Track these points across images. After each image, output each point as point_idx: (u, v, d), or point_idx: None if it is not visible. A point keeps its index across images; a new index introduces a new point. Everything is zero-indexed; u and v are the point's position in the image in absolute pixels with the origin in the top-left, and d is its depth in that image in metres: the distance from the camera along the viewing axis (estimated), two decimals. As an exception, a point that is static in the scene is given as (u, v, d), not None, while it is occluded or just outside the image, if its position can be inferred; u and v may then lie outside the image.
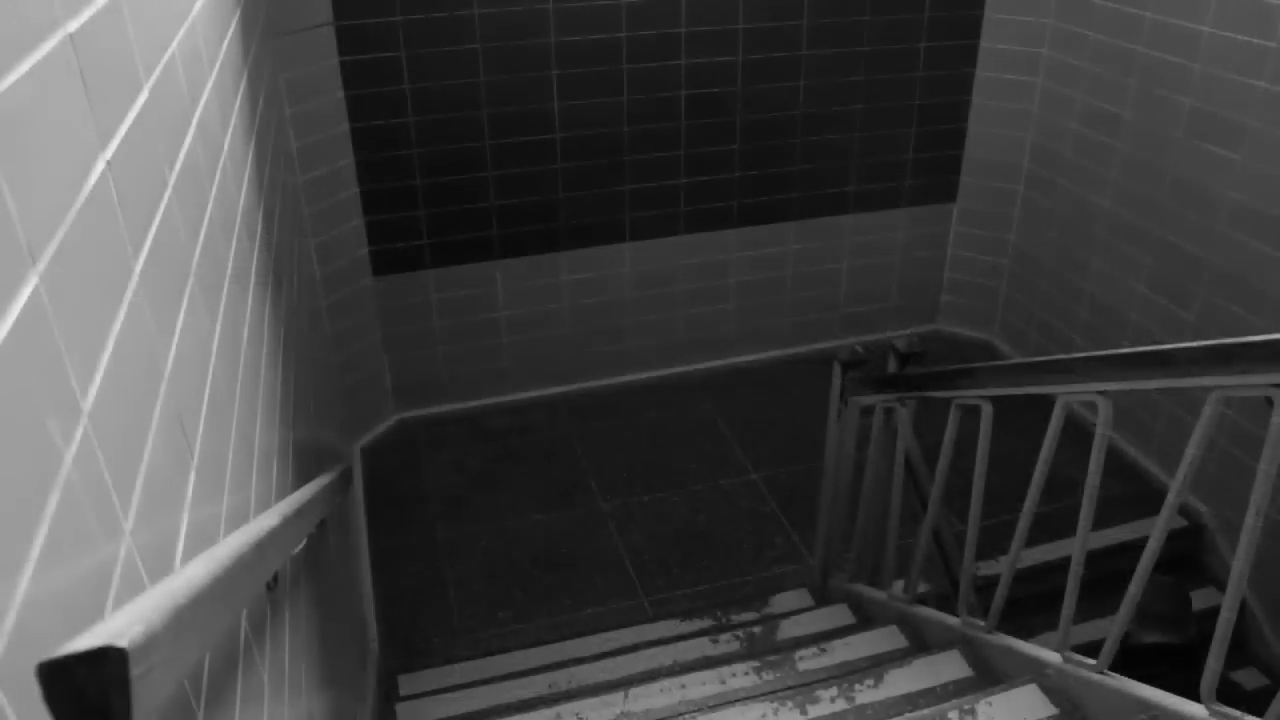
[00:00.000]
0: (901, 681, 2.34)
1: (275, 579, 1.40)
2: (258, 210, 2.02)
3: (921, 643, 2.65)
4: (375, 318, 4.00)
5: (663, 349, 4.48)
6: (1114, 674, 1.94)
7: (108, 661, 0.54)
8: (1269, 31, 3.01)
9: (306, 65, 3.37)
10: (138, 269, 0.94)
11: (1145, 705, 1.82)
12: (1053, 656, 2.10)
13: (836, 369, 2.90)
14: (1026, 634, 2.33)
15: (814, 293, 4.59)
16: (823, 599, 3.23)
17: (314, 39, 3.38)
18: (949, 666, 2.37)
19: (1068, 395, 2.01)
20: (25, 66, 0.71)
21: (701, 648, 2.91)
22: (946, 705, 2.09)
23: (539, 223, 4.04)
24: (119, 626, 0.57)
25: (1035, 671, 2.12)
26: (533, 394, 4.38)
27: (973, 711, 2.05)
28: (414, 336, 4.11)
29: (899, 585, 2.83)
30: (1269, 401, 1.54)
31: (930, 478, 2.62)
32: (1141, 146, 3.62)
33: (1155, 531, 1.78)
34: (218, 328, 1.34)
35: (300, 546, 1.69)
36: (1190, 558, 3.46)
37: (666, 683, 2.57)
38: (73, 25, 0.83)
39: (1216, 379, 1.62)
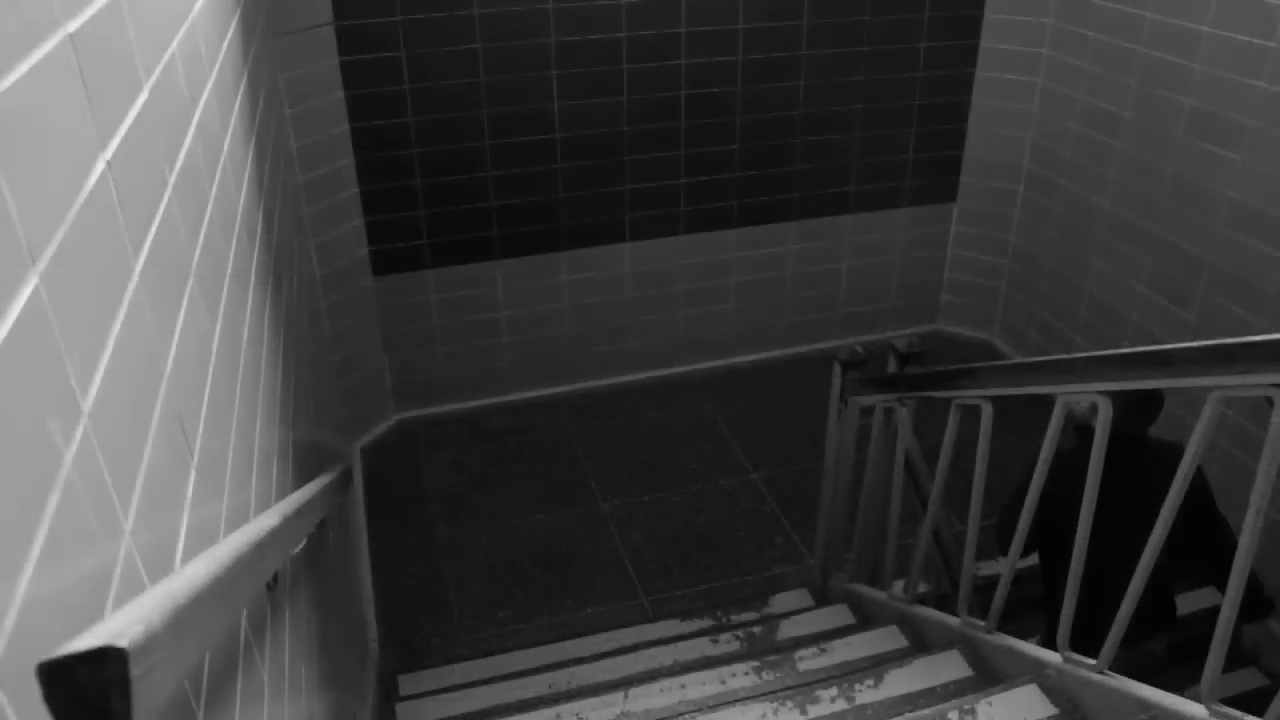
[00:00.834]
0: (901, 681, 2.34)
1: (275, 579, 1.40)
2: (258, 210, 2.02)
3: (921, 643, 2.65)
4: (375, 318, 4.00)
5: (663, 349, 4.48)
6: (1114, 674, 1.94)
7: (108, 661, 0.54)
8: (1269, 31, 3.01)
9: (306, 65, 3.37)
10: (138, 269, 0.94)
11: (1145, 705, 1.82)
12: (1053, 656, 2.10)
13: (836, 369, 2.90)
14: (1026, 634, 2.33)
15: (814, 293, 4.59)
16: (823, 599, 3.23)
17: (314, 39, 3.38)
18: (949, 666, 2.37)
19: (1068, 395, 2.01)
20: (25, 66, 0.71)
21: (701, 648, 2.91)
22: (946, 705, 2.09)
23: (539, 223, 4.04)
24: (119, 626, 0.57)
25: (1035, 671, 2.12)
26: (533, 394, 4.38)
27: (973, 711, 2.05)
28: (414, 336, 4.11)
29: (899, 585, 2.83)
30: (1269, 401, 1.54)
31: (930, 478, 2.62)
32: (1141, 146, 3.62)
33: (1156, 532, 1.78)
34: (218, 328, 1.34)
35: (300, 546, 1.69)
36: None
37: (666, 683, 2.57)
38: (73, 25, 0.83)
39: (1216, 379, 1.62)
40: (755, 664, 2.65)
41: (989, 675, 2.32)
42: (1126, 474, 2.11)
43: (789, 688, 2.42)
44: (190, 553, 0.98)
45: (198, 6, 1.59)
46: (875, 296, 4.69)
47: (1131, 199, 3.71)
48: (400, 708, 2.69)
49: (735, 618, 3.16)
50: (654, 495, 3.82)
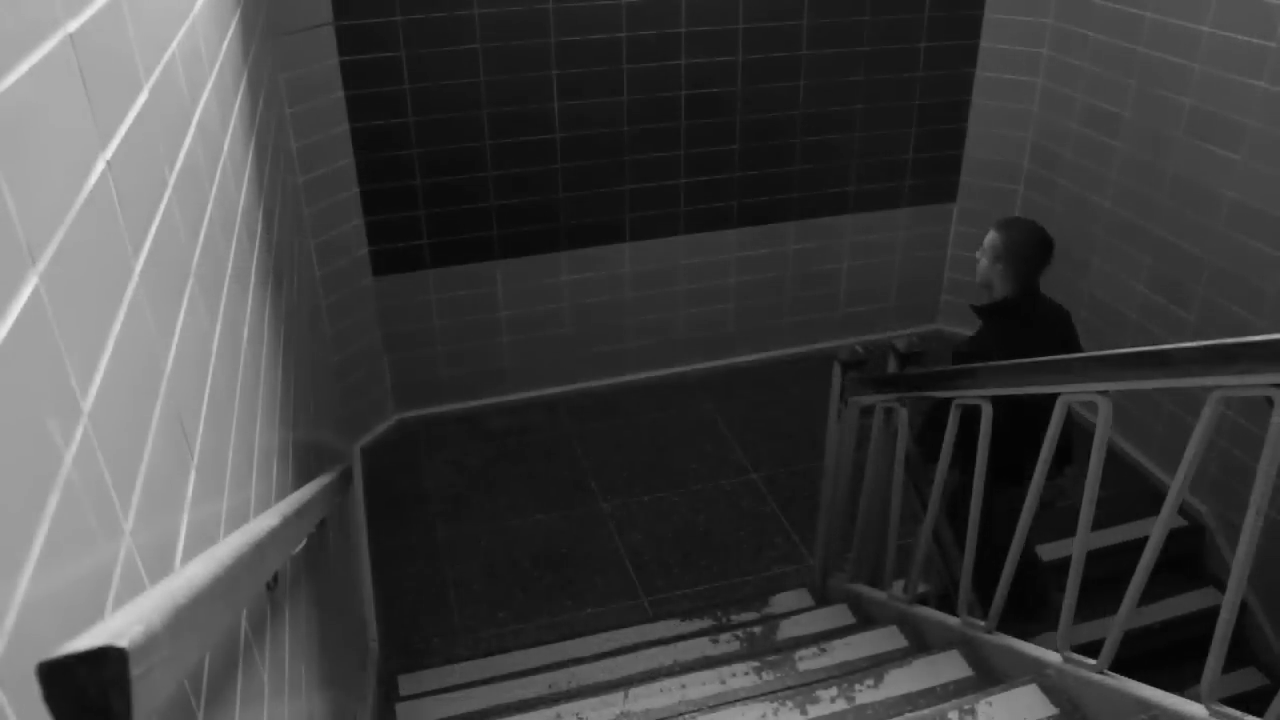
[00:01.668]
0: (901, 681, 2.34)
1: (275, 579, 1.40)
2: (258, 210, 2.02)
3: (921, 643, 2.64)
4: (375, 318, 4.00)
5: (663, 349, 4.48)
6: (1114, 674, 1.94)
7: (108, 661, 0.54)
8: (1269, 31, 3.01)
9: (306, 65, 3.37)
10: (138, 269, 0.94)
11: (1145, 705, 1.82)
12: (1053, 656, 2.10)
13: (836, 369, 2.90)
14: (1026, 634, 2.33)
15: (814, 293, 4.59)
16: (823, 599, 3.23)
17: (314, 39, 3.38)
18: (949, 666, 2.37)
19: (1068, 395, 2.01)
20: (25, 66, 0.71)
21: (701, 648, 2.91)
22: (946, 705, 2.09)
23: (539, 223, 4.04)
24: (119, 626, 0.57)
25: (1035, 671, 2.12)
26: (533, 394, 4.38)
27: (973, 711, 2.05)
28: (414, 336, 4.11)
29: (899, 585, 2.83)
30: (1269, 401, 1.54)
31: (930, 478, 2.62)
32: (1141, 146, 3.62)
33: (1155, 531, 1.78)
34: (218, 328, 1.34)
35: (300, 546, 1.69)
36: (1190, 558, 3.46)
37: (666, 683, 2.57)
38: (73, 25, 0.83)
39: (1216, 379, 1.62)
40: (755, 664, 2.65)
41: (989, 675, 2.32)
42: (1029, 324, 2.64)
43: (789, 688, 2.42)
44: (190, 553, 0.98)
45: (198, 6, 1.59)
46: (875, 296, 4.69)
47: (1131, 199, 3.71)
48: (400, 708, 2.69)
49: (735, 618, 3.16)
50: (654, 495, 3.82)
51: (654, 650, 2.91)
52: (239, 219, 1.72)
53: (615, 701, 2.48)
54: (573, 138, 3.90)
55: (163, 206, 1.09)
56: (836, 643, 2.71)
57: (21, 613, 0.57)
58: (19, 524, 0.60)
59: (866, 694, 2.31)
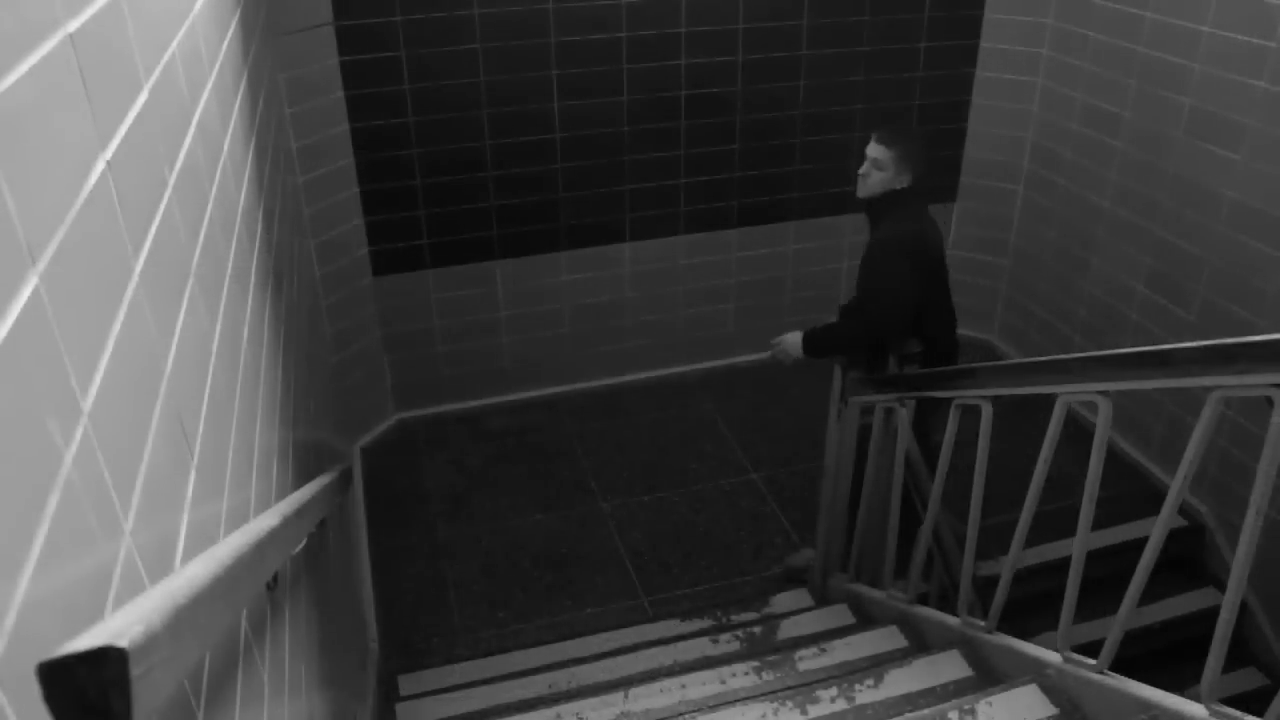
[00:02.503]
0: (901, 681, 2.34)
1: (275, 579, 1.40)
2: (258, 210, 2.02)
3: (921, 643, 2.65)
4: (375, 318, 4.00)
5: (663, 349, 4.48)
6: (1114, 674, 1.94)
7: (108, 661, 0.54)
8: (1269, 31, 3.01)
9: (306, 65, 3.37)
10: (138, 269, 0.94)
11: (1145, 705, 1.82)
12: (1053, 656, 2.10)
13: (836, 369, 2.90)
14: (1027, 634, 2.33)
15: (814, 293, 4.59)
16: (823, 599, 3.23)
17: (314, 39, 3.38)
18: (949, 666, 2.37)
19: (1068, 395, 2.01)
20: (25, 66, 0.71)
21: (701, 648, 2.91)
22: (946, 705, 2.09)
23: (539, 223, 4.04)
24: (119, 626, 0.57)
25: (1035, 671, 2.12)
26: (533, 394, 4.38)
27: (973, 711, 2.05)
28: (414, 336, 4.11)
29: (899, 585, 2.83)
30: (1269, 401, 1.54)
31: (930, 478, 2.62)
32: (1141, 146, 3.62)
33: (1155, 531, 1.78)
34: (218, 328, 1.34)
35: (300, 546, 1.69)
36: (1190, 558, 3.46)
37: (666, 683, 2.57)
38: (73, 25, 0.83)
39: (1216, 379, 1.62)
40: (755, 664, 2.65)
41: (989, 675, 2.32)
42: (921, 220, 2.87)
43: (789, 688, 2.42)
44: (190, 553, 0.98)
45: (198, 6, 1.59)
46: (875, 296, 4.69)
47: (1131, 199, 3.71)
48: (400, 708, 2.69)
49: (735, 618, 3.16)
50: (654, 495, 3.82)
51: (654, 650, 2.91)
52: (239, 219, 1.72)
53: (615, 701, 2.48)
54: (573, 138, 3.90)
55: (163, 206, 1.09)
56: (836, 643, 2.71)
57: (21, 613, 0.57)
58: (19, 524, 0.60)
59: (866, 694, 2.31)
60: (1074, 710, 2.00)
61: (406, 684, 2.91)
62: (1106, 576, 2.37)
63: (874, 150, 2.82)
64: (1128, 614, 1.86)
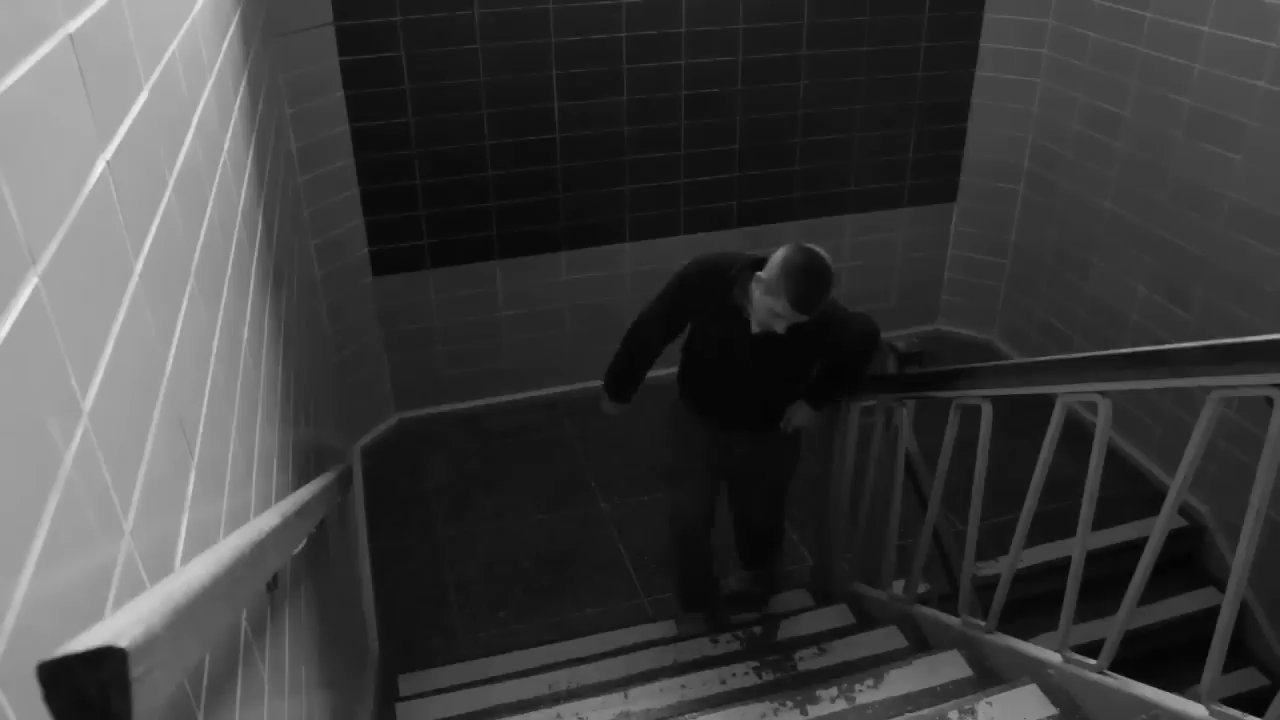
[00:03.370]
0: (901, 681, 2.34)
1: (275, 579, 1.40)
2: (258, 210, 2.02)
3: (922, 643, 2.65)
4: (375, 318, 4.00)
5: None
6: (1114, 674, 1.94)
7: (108, 661, 0.54)
8: (1269, 31, 3.01)
9: (306, 65, 3.37)
10: (138, 269, 0.94)
11: (1145, 705, 1.82)
12: (1053, 656, 2.10)
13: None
14: (1026, 634, 2.33)
15: (814, 293, 4.58)
16: (823, 599, 3.23)
17: (314, 39, 3.38)
18: (949, 666, 2.36)
19: (1068, 395, 2.01)
20: (25, 66, 0.71)
21: (701, 648, 2.91)
22: (946, 705, 2.09)
23: (539, 223, 4.04)
24: (119, 626, 0.57)
25: (1035, 671, 2.12)
26: (533, 394, 4.37)
27: (973, 711, 2.05)
28: (414, 336, 4.11)
29: (899, 585, 2.83)
30: (1269, 401, 1.54)
31: (930, 478, 2.62)
32: (1141, 146, 3.62)
33: (1155, 531, 1.78)
34: (218, 328, 1.34)
35: (300, 546, 1.69)
36: (1190, 558, 3.46)
37: (666, 683, 2.57)
38: (73, 25, 0.83)
39: (1216, 379, 1.62)
40: (755, 664, 2.65)
41: (989, 675, 2.32)
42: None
43: (789, 688, 2.43)
44: (190, 553, 0.98)
45: (198, 7, 1.59)
46: (875, 296, 4.69)
47: (1131, 199, 3.71)
48: (400, 708, 2.69)
49: (735, 618, 3.16)
50: (654, 495, 3.81)
51: (654, 650, 2.91)
52: (239, 219, 1.72)
53: (615, 701, 2.49)
54: (573, 138, 3.90)
55: (163, 206, 1.09)
56: (836, 643, 2.71)
57: (21, 613, 0.57)
58: (19, 524, 0.60)
59: (866, 694, 2.31)
60: (1074, 710, 2.00)
61: (406, 684, 2.91)
62: (1106, 576, 2.37)
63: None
64: (1128, 614, 1.86)
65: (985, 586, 2.68)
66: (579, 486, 3.88)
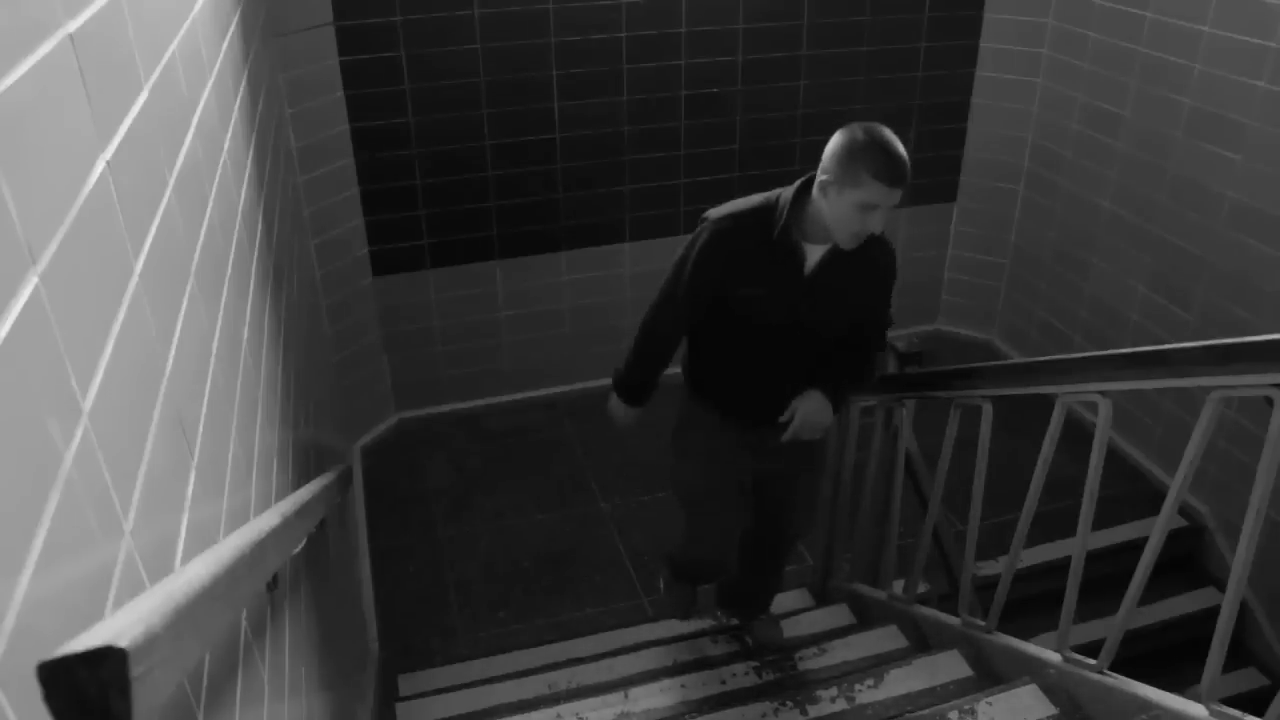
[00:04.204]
0: (901, 681, 2.34)
1: (275, 579, 1.40)
2: (258, 210, 2.02)
3: (922, 643, 2.65)
4: (375, 318, 4.00)
5: (663, 349, 4.48)
6: (1114, 674, 1.94)
7: (108, 661, 0.54)
8: (1269, 31, 3.01)
9: (306, 65, 3.37)
10: (138, 269, 0.94)
11: (1145, 705, 1.82)
12: (1053, 656, 2.10)
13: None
14: (1026, 634, 2.33)
15: (814, 293, 4.58)
16: (823, 599, 3.23)
17: (314, 39, 3.38)
18: (949, 666, 2.37)
19: (1068, 395, 2.01)
20: (25, 66, 0.71)
21: (701, 648, 2.91)
22: (946, 705, 2.09)
23: (539, 223, 4.04)
24: (119, 627, 0.57)
25: (1035, 671, 2.12)
26: (533, 394, 4.38)
27: (973, 711, 2.05)
28: (414, 336, 4.11)
29: (899, 585, 2.83)
30: (1269, 401, 1.54)
31: (930, 478, 2.62)
32: (1141, 146, 3.62)
33: (1155, 531, 1.78)
34: (218, 328, 1.34)
35: (300, 546, 1.69)
36: (1190, 558, 3.46)
37: (666, 683, 2.57)
38: (73, 25, 0.83)
39: (1216, 379, 1.62)
40: (755, 664, 2.65)
41: (989, 675, 2.32)
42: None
43: (789, 688, 2.43)
44: (190, 553, 0.98)
45: (198, 7, 1.59)
46: (875, 296, 4.69)
47: (1131, 199, 3.71)
48: (400, 708, 2.69)
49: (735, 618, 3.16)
50: (654, 495, 3.81)
51: (654, 650, 2.91)
52: (239, 219, 1.72)
53: (615, 701, 2.48)
54: (573, 138, 3.90)
55: (163, 206, 1.09)
56: (836, 643, 2.71)
57: (21, 613, 0.57)
58: (19, 524, 0.60)
59: (866, 694, 2.31)
60: (1074, 710, 2.00)
61: (406, 684, 2.91)
62: (1106, 576, 2.37)
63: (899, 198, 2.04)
64: (1128, 614, 1.86)
65: (985, 586, 2.68)
66: (579, 486, 3.88)
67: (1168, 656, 2.68)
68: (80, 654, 0.54)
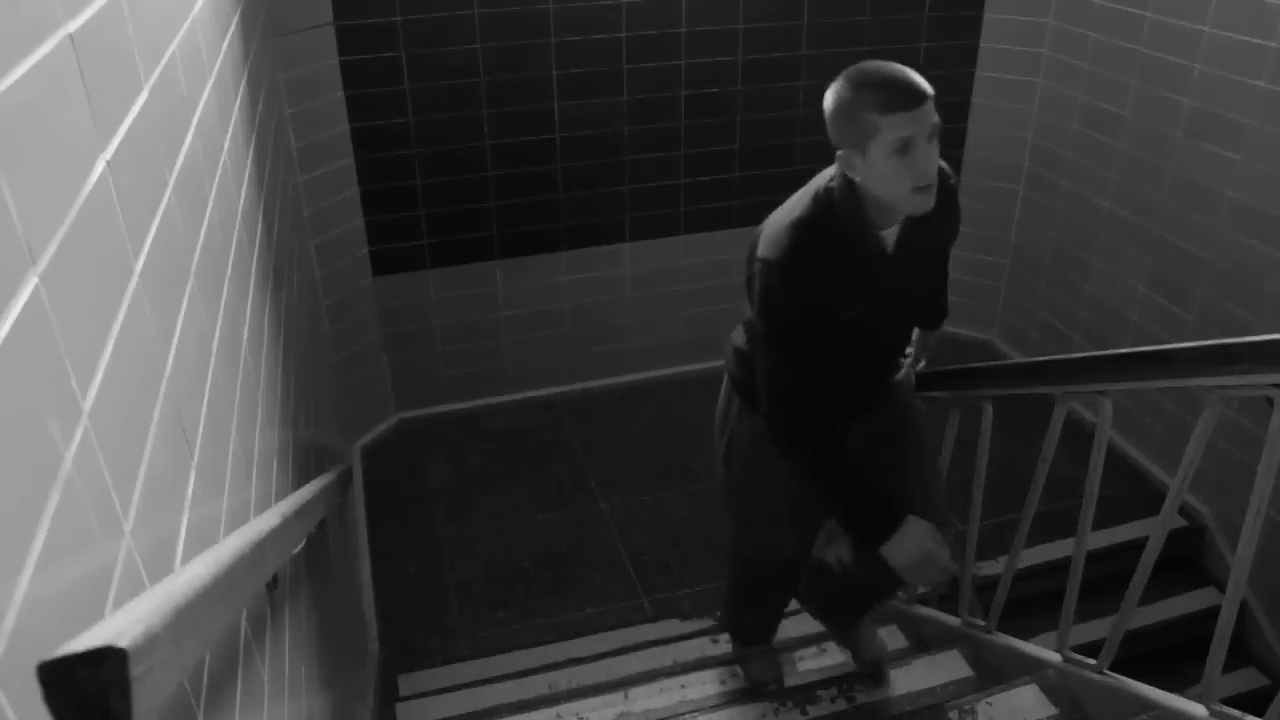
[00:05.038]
0: (901, 681, 2.34)
1: (275, 579, 1.40)
2: (258, 210, 2.02)
3: (921, 643, 2.65)
4: (375, 318, 4.00)
5: (663, 349, 4.48)
6: (1114, 674, 1.94)
7: (108, 661, 0.54)
8: (1269, 31, 3.01)
9: (306, 65, 3.37)
10: (138, 269, 0.94)
11: (1145, 705, 1.82)
12: (1053, 656, 2.10)
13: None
14: (1026, 634, 2.33)
15: (814, 293, 4.58)
16: (823, 599, 3.22)
17: (314, 39, 3.38)
18: (949, 666, 2.37)
19: (1068, 395, 2.01)
20: (25, 66, 0.71)
21: (701, 648, 2.91)
22: (946, 705, 2.09)
23: (539, 223, 4.04)
24: (119, 627, 0.57)
25: (1035, 671, 2.12)
26: (533, 394, 4.38)
27: (973, 711, 2.05)
28: (414, 336, 4.11)
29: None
30: (1269, 401, 1.54)
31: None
32: (1141, 146, 3.62)
33: (1155, 531, 1.78)
34: (218, 328, 1.34)
35: (300, 546, 1.69)
36: (1190, 558, 3.46)
37: (666, 683, 2.57)
38: (73, 25, 0.83)
39: (1216, 379, 1.62)
40: (755, 664, 2.65)
41: (989, 675, 2.32)
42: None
43: (789, 688, 2.42)
44: (190, 553, 0.98)
45: (198, 6, 1.59)
46: (875, 296, 4.69)
47: (1131, 199, 3.71)
48: (400, 708, 2.69)
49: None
50: (654, 495, 3.82)
51: (654, 650, 2.91)
52: (239, 219, 1.72)
53: (615, 701, 2.49)
54: (573, 138, 3.90)
55: (163, 206, 1.09)
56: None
57: (21, 613, 0.57)
58: (19, 524, 0.60)
59: (866, 694, 2.31)
60: (1074, 710, 2.00)
61: (406, 684, 2.91)
62: (1106, 576, 2.38)
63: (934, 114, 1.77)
64: (1128, 614, 1.86)
65: (985, 586, 2.68)
66: (579, 486, 3.88)
67: (1168, 656, 2.69)
68: (80, 654, 0.54)
